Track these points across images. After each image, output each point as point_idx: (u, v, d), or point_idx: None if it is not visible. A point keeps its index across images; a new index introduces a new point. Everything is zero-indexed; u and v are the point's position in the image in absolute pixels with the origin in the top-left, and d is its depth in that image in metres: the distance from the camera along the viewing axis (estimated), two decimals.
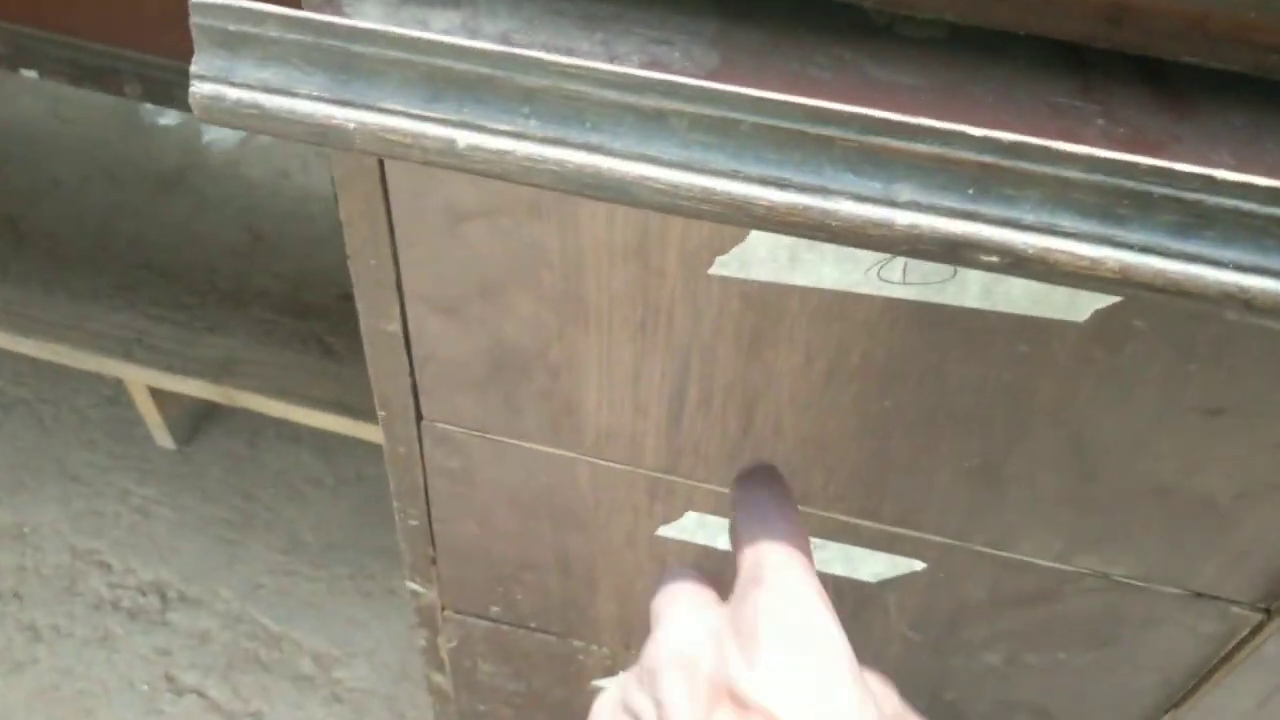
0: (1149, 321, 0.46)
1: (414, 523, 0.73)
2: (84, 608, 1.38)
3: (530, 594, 0.77)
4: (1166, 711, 0.69)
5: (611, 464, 0.62)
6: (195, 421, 1.53)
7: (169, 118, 1.70)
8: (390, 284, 0.55)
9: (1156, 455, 0.52)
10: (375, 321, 0.57)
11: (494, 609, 0.80)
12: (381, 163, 0.49)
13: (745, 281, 0.49)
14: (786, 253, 0.47)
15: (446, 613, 0.83)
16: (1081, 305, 0.46)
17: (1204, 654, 0.64)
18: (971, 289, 0.47)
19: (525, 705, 0.93)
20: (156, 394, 1.39)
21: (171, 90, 1.34)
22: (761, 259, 0.48)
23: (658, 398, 0.57)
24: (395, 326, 0.57)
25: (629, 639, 0.79)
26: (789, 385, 0.54)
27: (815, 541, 0.63)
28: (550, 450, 0.62)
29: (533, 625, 0.81)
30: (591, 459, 0.62)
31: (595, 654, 0.82)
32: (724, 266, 0.49)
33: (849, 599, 0.68)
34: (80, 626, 1.37)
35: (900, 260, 0.46)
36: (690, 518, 0.64)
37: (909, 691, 0.72)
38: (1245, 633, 0.61)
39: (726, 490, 0.62)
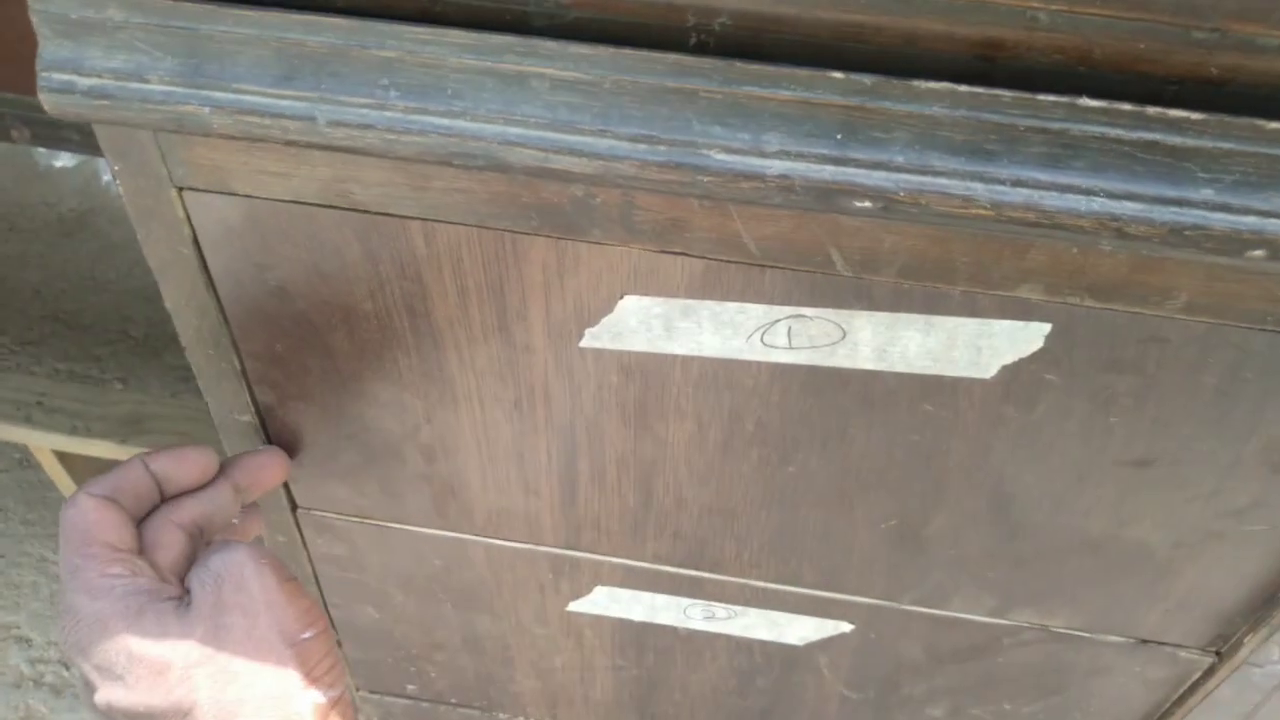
0: (1061, 374, 0.42)
1: None
2: (3, 687, 1.30)
3: (445, 673, 0.72)
4: None
5: (507, 543, 0.57)
6: None
7: (64, 160, 1.62)
8: (234, 374, 0.49)
9: (1085, 510, 0.48)
10: (226, 413, 0.52)
11: (410, 687, 0.75)
12: (198, 245, 0.43)
13: (622, 353, 0.44)
14: (660, 322, 0.42)
15: (361, 693, 0.77)
16: (986, 361, 0.42)
17: (1156, 699, 0.60)
18: (863, 350, 0.42)
19: None
20: (64, 457, 1.32)
21: (61, 132, 1.27)
22: (634, 329, 0.43)
23: (546, 475, 0.52)
24: (249, 417, 0.52)
25: (555, 710, 0.74)
26: (684, 456, 0.49)
27: (734, 609, 0.59)
28: (439, 533, 0.57)
29: (453, 701, 0.76)
30: (485, 539, 0.57)
31: None
32: (595, 339, 0.44)
33: (776, 661, 0.63)
34: (0, 707, 1.29)
35: (784, 324, 0.42)
36: (600, 592, 0.59)
37: None
38: (1197, 676, 0.57)
39: (635, 562, 0.57)
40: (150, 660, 0.41)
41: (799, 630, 0.60)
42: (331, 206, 0.41)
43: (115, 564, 0.43)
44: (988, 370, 0.42)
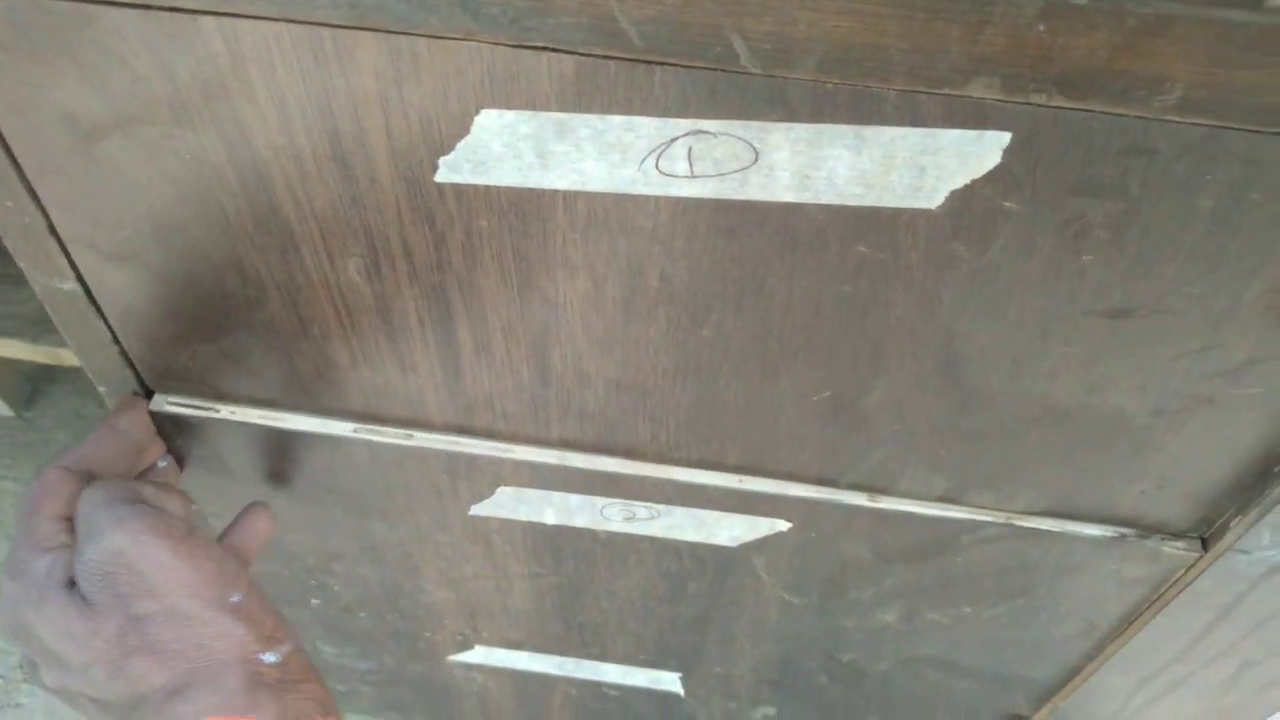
0: (1023, 200, 0.34)
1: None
2: None
3: (349, 585, 0.65)
4: (1092, 658, 0.59)
5: (392, 440, 0.49)
6: (33, 384, 1.38)
7: None
8: (41, 229, 0.41)
9: (1049, 372, 0.41)
10: (45, 280, 0.44)
11: (314, 601, 0.68)
12: None
13: (489, 190, 0.36)
14: (530, 145, 0.34)
15: None
16: (930, 186, 0.34)
17: (1133, 598, 0.53)
18: (780, 176, 0.34)
19: (383, 682, 0.82)
20: None
21: None
22: (498, 156, 0.35)
23: (423, 348, 0.44)
24: (71, 284, 0.44)
25: (474, 622, 0.67)
26: (580, 320, 0.41)
27: (655, 507, 0.51)
28: (314, 426, 0.49)
29: (362, 615, 0.69)
30: (367, 434, 0.49)
31: (446, 631, 0.70)
32: (453, 170, 0.36)
33: (709, 564, 0.56)
34: None
35: (682, 144, 0.33)
36: (504, 493, 0.52)
37: (798, 653, 0.61)
38: (1180, 573, 0.51)
39: (541, 453, 0.50)
40: (72, 654, 0.39)
41: (730, 530, 0.52)
42: (110, 2, 0.32)
43: (39, 540, 0.41)
44: (933, 198, 0.34)
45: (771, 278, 0.38)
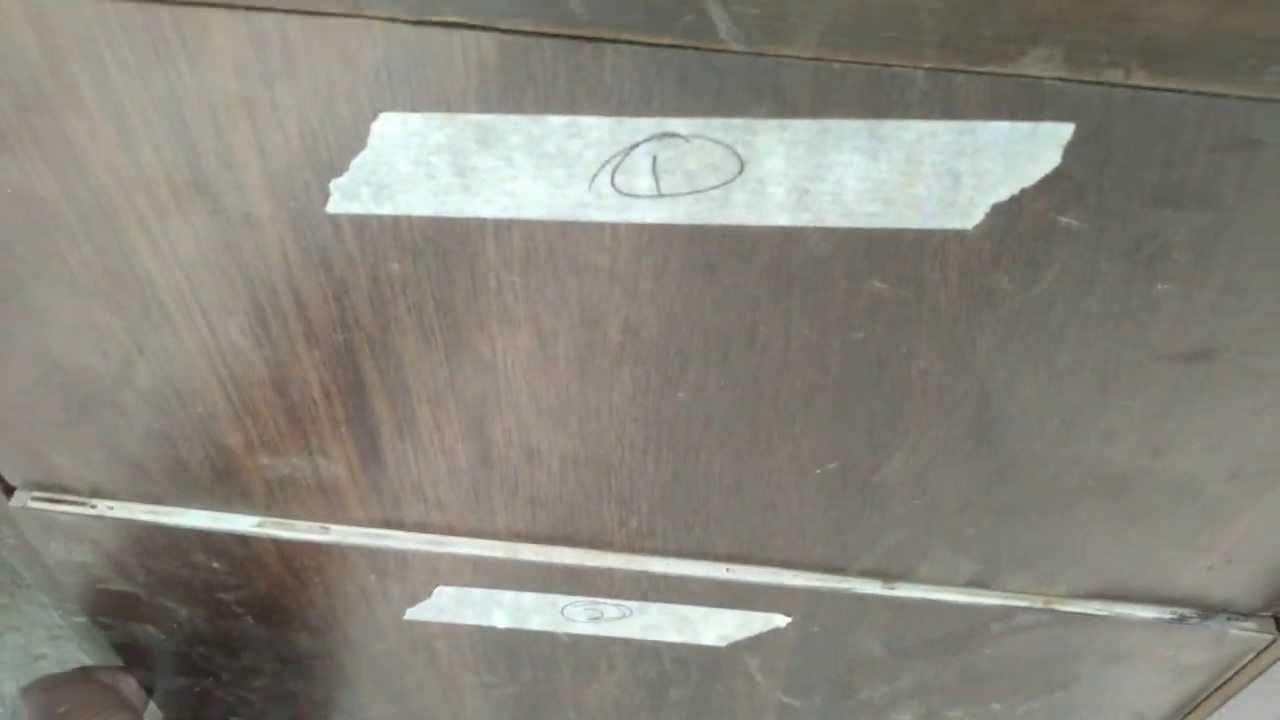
0: (1086, 214, 0.26)
1: (79, 620, 0.50)
2: None
3: (273, 702, 0.56)
4: None
5: (307, 537, 0.41)
6: None
7: None
8: None
9: (1108, 432, 0.33)
10: None
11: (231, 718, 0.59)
12: None
13: (398, 222, 0.28)
14: (446, 159, 0.26)
15: None
16: (967, 199, 0.26)
17: (1189, 688, 0.45)
18: (773, 192, 0.26)
19: None
20: None
21: None
22: (406, 176, 0.27)
23: (331, 426, 0.36)
24: None
25: None
26: (526, 385, 0.33)
27: (626, 604, 0.43)
28: (212, 523, 0.41)
29: None
30: (274, 532, 0.41)
31: None
32: (349, 197, 0.28)
33: (693, 667, 0.48)
34: None
35: (645, 152, 0.26)
36: (444, 594, 0.43)
37: None
38: (1249, 657, 0.43)
39: (486, 545, 0.41)
40: None
41: (718, 628, 0.44)
42: None
43: None
44: (969, 215, 0.26)
45: (763, 325, 0.30)
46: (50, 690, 0.45)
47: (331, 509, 0.40)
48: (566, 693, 0.51)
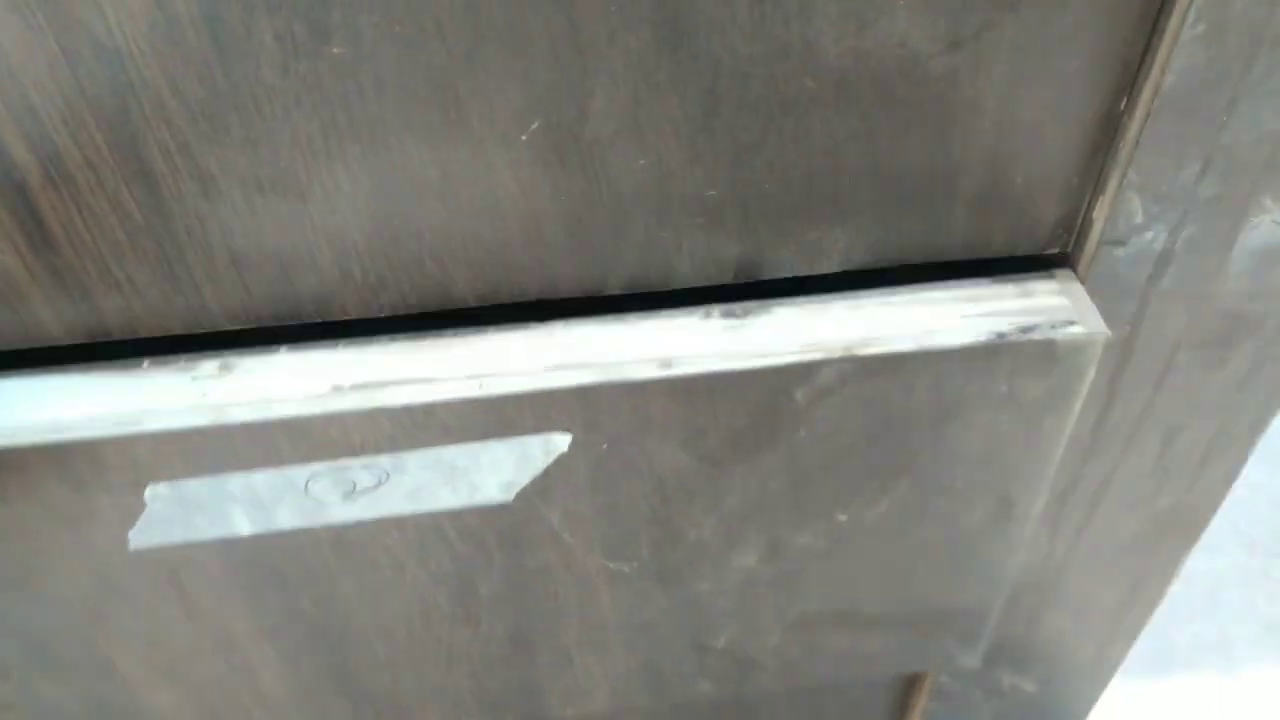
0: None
1: None
2: None
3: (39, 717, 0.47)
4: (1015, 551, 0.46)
5: None
6: None
7: None
8: None
9: (802, 4, 0.28)
10: None
11: None
12: None
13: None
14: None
15: None
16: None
17: (1048, 436, 0.40)
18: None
19: None
20: None
21: None
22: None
23: None
24: None
25: None
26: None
27: (381, 464, 0.36)
28: None
29: None
30: None
31: None
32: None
33: (490, 541, 0.41)
34: None
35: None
36: (160, 494, 0.36)
37: (659, 655, 0.46)
38: (1090, 372, 0.38)
39: (190, 419, 0.34)
40: None
41: (496, 473, 0.38)
42: None
43: None
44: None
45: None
46: None
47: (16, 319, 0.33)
48: (362, 619, 0.43)
